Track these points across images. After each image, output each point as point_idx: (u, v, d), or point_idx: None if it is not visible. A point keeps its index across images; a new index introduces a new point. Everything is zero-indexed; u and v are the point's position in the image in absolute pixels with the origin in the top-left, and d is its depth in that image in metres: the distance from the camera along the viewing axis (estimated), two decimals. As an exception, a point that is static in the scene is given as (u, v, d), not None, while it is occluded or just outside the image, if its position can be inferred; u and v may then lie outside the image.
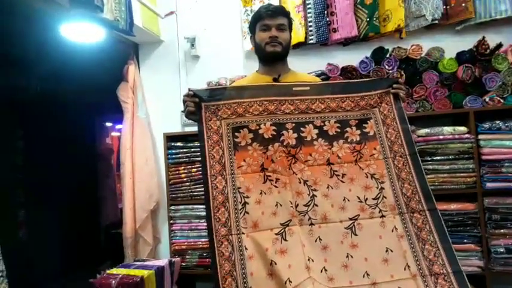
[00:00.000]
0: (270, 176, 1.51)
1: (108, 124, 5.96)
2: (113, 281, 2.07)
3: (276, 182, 1.50)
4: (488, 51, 2.29)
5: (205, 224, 1.45)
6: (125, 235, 2.84)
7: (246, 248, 1.40)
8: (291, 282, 1.34)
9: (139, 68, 3.05)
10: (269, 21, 1.68)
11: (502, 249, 2.20)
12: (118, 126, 5.86)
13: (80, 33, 2.37)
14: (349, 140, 1.59)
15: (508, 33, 2.40)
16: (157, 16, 2.94)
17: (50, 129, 4.01)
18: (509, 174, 2.21)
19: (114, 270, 2.26)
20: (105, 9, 2.14)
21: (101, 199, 5.25)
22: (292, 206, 1.47)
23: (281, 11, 1.73)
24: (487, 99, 2.29)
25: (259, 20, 1.71)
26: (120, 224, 2.98)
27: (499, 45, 2.28)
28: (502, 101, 2.28)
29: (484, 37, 2.31)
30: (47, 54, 3.15)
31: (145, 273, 2.18)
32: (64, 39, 2.44)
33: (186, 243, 2.67)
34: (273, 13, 1.69)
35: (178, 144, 2.76)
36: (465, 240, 2.25)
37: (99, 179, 5.27)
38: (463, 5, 2.37)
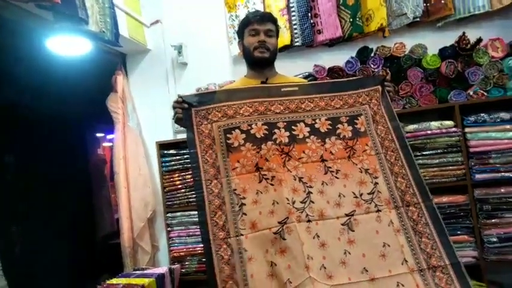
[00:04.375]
0: (265, 174, 1.51)
1: (100, 135, 5.92)
2: (113, 292, 2.07)
3: (271, 180, 1.50)
4: (469, 46, 2.35)
5: (203, 229, 1.45)
6: (123, 245, 2.83)
7: (245, 250, 1.41)
8: (291, 282, 1.35)
9: (127, 77, 3.06)
10: (258, 26, 1.72)
11: (494, 239, 2.24)
12: (109, 137, 5.82)
13: (66, 47, 2.38)
14: (341, 136, 1.60)
15: (487, 27, 2.46)
16: (142, 25, 2.95)
17: (41, 143, 3.97)
18: (497, 165, 2.26)
19: (114, 280, 2.25)
20: (90, 21, 2.15)
21: (97, 211, 5.21)
22: (289, 203, 1.47)
23: (269, 18, 1.76)
24: (471, 93, 2.34)
25: (248, 25, 1.74)
26: (116, 235, 2.96)
27: (479, 40, 2.34)
28: (485, 94, 2.33)
29: (464, 32, 2.36)
30: (35, 69, 3.13)
31: (146, 281, 2.18)
32: (51, 53, 2.44)
33: (184, 249, 2.68)
34: (261, 18, 1.73)
35: (171, 151, 2.77)
36: (458, 232, 2.29)
37: (94, 191, 5.23)
38: (443, 1, 2.43)
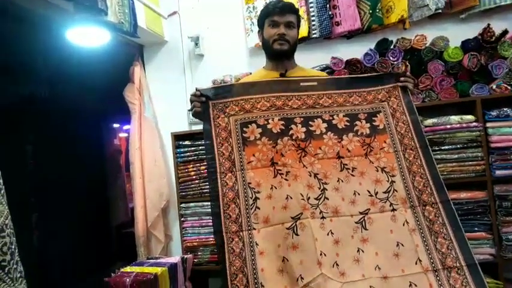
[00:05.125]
0: (280, 170, 1.51)
1: (116, 125, 6.01)
2: (127, 279, 2.10)
3: (286, 175, 1.50)
4: (493, 38, 2.27)
5: (216, 220, 1.46)
6: (137, 234, 2.88)
7: (256, 244, 1.41)
8: (302, 279, 1.35)
9: (144, 68, 3.08)
10: (278, 18, 1.69)
11: (513, 237, 2.19)
12: (125, 127, 5.90)
13: (85, 37, 2.40)
14: (358, 133, 1.59)
15: (514, 19, 2.38)
16: (160, 17, 2.96)
17: (59, 133, 4.05)
18: (519, 161, 2.20)
19: (128, 268, 2.29)
20: (109, 12, 2.17)
21: (112, 200, 5.31)
22: (303, 199, 1.47)
23: (290, 8, 1.72)
24: (494, 87, 2.27)
25: (268, 16, 1.72)
26: (130, 224, 3.01)
27: (505, 32, 2.26)
28: (509, 88, 2.25)
29: (489, 24, 2.28)
30: (54, 59, 3.19)
31: (158, 270, 2.21)
32: (70, 43, 2.48)
33: (197, 239, 2.70)
34: (282, 10, 1.69)
35: (186, 142, 2.78)
36: (476, 229, 2.24)
37: (109, 180, 5.33)
38: (467, -8, 2.35)
